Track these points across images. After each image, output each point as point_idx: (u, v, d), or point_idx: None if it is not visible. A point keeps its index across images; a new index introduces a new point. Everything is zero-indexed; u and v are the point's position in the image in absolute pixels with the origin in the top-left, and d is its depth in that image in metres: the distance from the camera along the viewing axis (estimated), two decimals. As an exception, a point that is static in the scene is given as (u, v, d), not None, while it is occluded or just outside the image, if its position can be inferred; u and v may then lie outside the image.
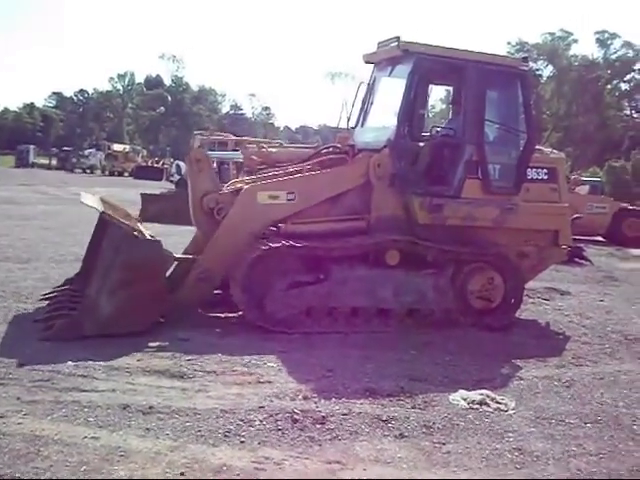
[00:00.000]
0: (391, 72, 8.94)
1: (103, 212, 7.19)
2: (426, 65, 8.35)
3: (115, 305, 6.68)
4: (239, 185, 8.35)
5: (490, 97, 8.75)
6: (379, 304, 7.90)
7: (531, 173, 8.80)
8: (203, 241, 8.11)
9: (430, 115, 10.13)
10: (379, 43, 8.98)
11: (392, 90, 8.90)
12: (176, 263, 8.12)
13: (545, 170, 8.94)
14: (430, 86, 10.00)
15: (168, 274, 7.94)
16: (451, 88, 10.28)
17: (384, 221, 8.26)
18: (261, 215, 7.94)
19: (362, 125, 9.38)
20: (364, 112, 9.42)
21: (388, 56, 8.83)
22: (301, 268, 7.80)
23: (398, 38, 8.37)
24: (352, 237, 7.98)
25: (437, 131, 8.94)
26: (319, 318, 7.68)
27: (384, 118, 9.05)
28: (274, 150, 9.48)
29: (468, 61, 8.44)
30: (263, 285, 7.52)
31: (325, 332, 7.51)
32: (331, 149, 8.80)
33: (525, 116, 8.86)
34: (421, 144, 8.60)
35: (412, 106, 8.47)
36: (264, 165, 8.86)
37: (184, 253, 8.48)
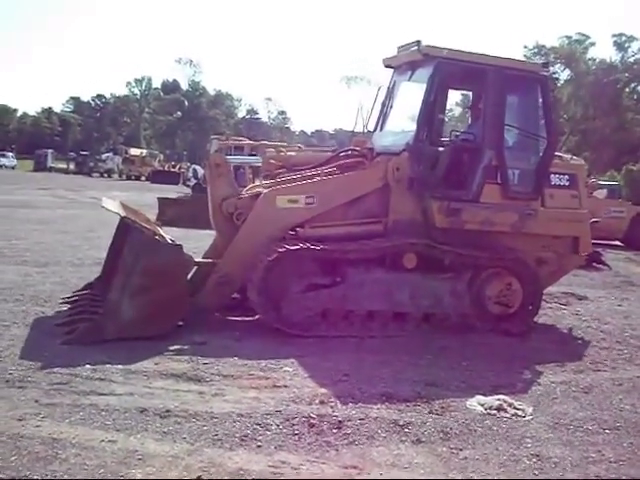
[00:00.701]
0: (411, 76, 8.94)
1: (125, 217, 7.23)
2: (446, 69, 8.33)
3: (137, 309, 6.72)
4: (258, 190, 8.37)
5: (510, 102, 8.76)
6: (395, 308, 7.87)
7: (554, 179, 8.77)
8: (223, 245, 8.14)
9: (447, 120, 10.10)
10: (399, 47, 8.99)
11: (412, 94, 8.92)
12: (196, 267, 8.15)
13: (566, 176, 8.90)
14: (448, 91, 9.99)
15: (189, 278, 7.99)
16: (469, 93, 10.25)
17: (402, 224, 8.25)
18: (280, 219, 7.96)
19: (381, 129, 9.38)
20: (383, 116, 9.42)
21: (408, 60, 8.83)
22: (318, 271, 7.80)
23: (419, 42, 8.38)
24: (369, 240, 7.98)
25: (456, 135, 8.92)
26: (335, 321, 7.68)
27: (403, 122, 9.07)
28: (293, 154, 9.49)
29: (489, 66, 8.43)
30: (280, 288, 7.52)
31: (341, 336, 7.50)
32: (349, 152, 8.79)
33: (545, 121, 8.84)
34: (440, 149, 8.58)
35: (432, 110, 8.44)
36: (283, 169, 8.87)
37: (204, 257, 8.52)
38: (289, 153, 9.53)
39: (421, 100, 8.28)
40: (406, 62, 8.95)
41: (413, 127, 8.39)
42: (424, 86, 8.34)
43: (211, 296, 7.79)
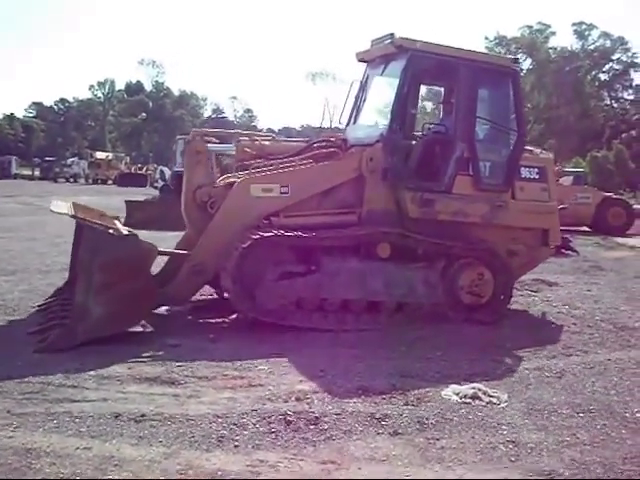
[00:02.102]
0: (384, 70, 9.01)
1: (73, 215, 7.12)
2: (420, 61, 8.40)
3: (104, 307, 6.62)
4: (232, 179, 8.35)
5: (482, 95, 8.88)
6: (369, 296, 7.90)
7: (524, 172, 8.92)
8: (194, 236, 8.10)
9: (419, 116, 10.22)
10: (373, 40, 9.04)
11: (385, 88, 9.04)
12: (168, 259, 8.08)
13: (536, 170, 9.05)
14: (420, 86, 10.05)
15: (160, 270, 7.91)
16: (440, 89, 10.34)
17: (375, 215, 8.29)
18: (254, 208, 7.95)
19: (354, 122, 9.44)
20: (357, 110, 9.47)
21: (382, 53, 8.88)
22: (292, 259, 7.80)
23: (392, 35, 8.45)
24: (343, 229, 8.01)
25: (429, 128, 9.00)
26: (310, 311, 7.68)
27: (376, 116, 9.15)
28: (267, 143, 9.47)
29: (462, 59, 8.55)
30: (254, 276, 7.51)
31: (316, 328, 7.51)
32: (324, 143, 8.80)
33: (516, 115, 8.98)
34: (413, 142, 8.65)
35: (405, 102, 8.51)
36: (257, 158, 8.83)
37: (176, 249, 8.47)
38: (264, 142, 9.49)
39: (395, 92, 8.35)
40: (380, 55, 8.99)
41: (387, 120, 8.46)
42: (397, 79, 8.40)
43: (184, 285, 7.77)
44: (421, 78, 9.45)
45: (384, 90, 9.11)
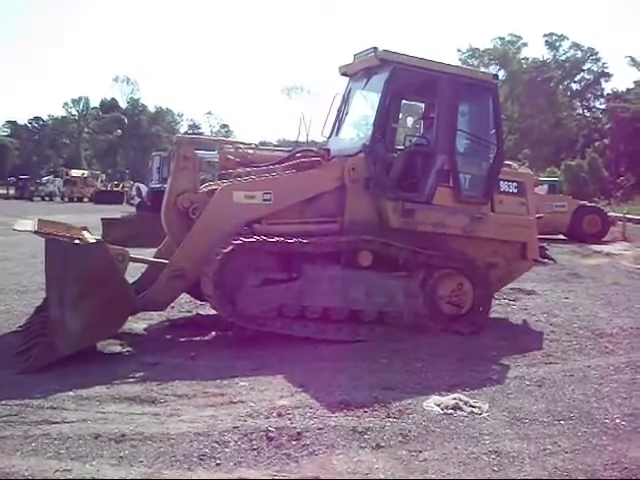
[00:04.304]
0: (367, 83, 9.09)
1: (36, 231, 7.05)
2: (402, 74, 8.49)
3: (81, 318, 6.54)
4: (215, 187, 8.34)
5: (463, 109, 9.04)
6: (350, 305, 7.89)
7: (503, 186, 9.03)
8: (174, 244, 8.06)
9: (400, 130, 10.32)
10: (355, 54, 9.13)
11: (367, 102, 9.17)
12: (147, 267, 8.02)
13: (515, 184, 9.17)
14: (402, 101, 10.13)
15: (139, 277, 7.87)
16: (421, 104, 10.44)
17: (357, 224, 8.31)
18: (236, 214, 7.93)
19: (337, 135, 9.52)
20: (339, 122, 9.55)
21: (364, 66, 8.95)
22: (274, 265, 7.78)
23: (375, 48, 8.54)
24: (325, 237, 8.02)
25: (410, 141, 9.09)
26: (290, 319, 7.65)
27: (358, 129, 9.23)
28: (250, 152, 9.47)
29: (443, 73, 8.65)
30: (235, 281, 7.47)
31: (296, 338, 7.50)
32: (306, 152, 8.84)
33: (495, 129, 9.10)
34: (394, 155, 8.72)
35: (387, 114, 8.65)
36: (240, 166, 8.83)
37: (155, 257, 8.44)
38: (247, 150, 9.49)
39: (377, 104, 8.44)
40: (362, 69, 9.07)
41: (368, 132, 8.54)
42: (380, 92, 8.50)
43: (163, 291, 7.72)
44: (403, 91, 9.55)
45: (366, 103, 9.22)
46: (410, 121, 12.82)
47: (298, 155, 8.79)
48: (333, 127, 9.58)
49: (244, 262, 7.53)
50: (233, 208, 7.95)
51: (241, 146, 9.53)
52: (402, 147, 9.11)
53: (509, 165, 9.76)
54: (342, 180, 8.33)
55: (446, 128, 8.65)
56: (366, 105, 9.22)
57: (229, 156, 9.11)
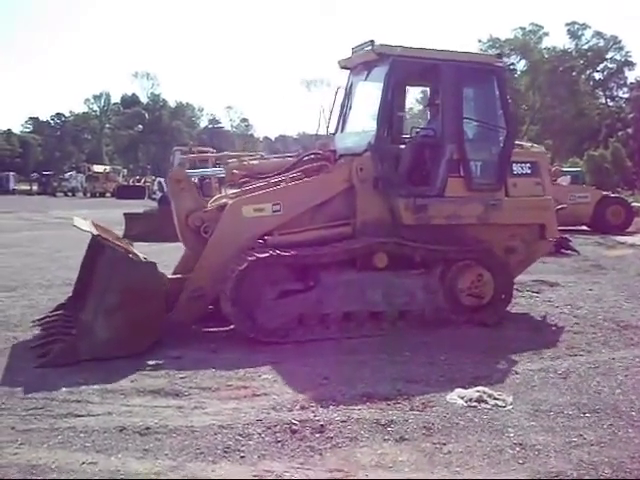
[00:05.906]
0: (367, 76, 8.96)
1: (98, 235, 7.13)
2: (402, 67, 8.38)
3: (112, 328, 6.62)
4: (224, 201, 8.32)
5: (467, 95, 8.85)
6: (370, 308, 7.87)
7: (516, 168, 8.85)
8: (193, 259, 8.07)
9: (408, 117, 10.19)
10: (353, 48, 8.99)
11: (369, 94, 8.95)
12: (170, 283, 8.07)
13: (528, 164, 8.98)
14: (407, 88, 10.03)
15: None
16: (428, 89, 10.32)
17: (370, 225, 8.26)
18: (248, 229, 7.91)
19: (342, 130, 9.39)
20: (343, 117, 9.43)
21: (363, 60, 8.84)
22: (290, 277, 7.76)
23: (372, 42, 8.40)
24: (339, 243, 7.97)
25: (417, 132, 8.96)
26: (311, 326, 7.65)
27: (363, 123, 9.08)
28: (255, 162, 9.46)
29: (443, 60, 8.48)
30: (253, 296, 7.47)
31: (318, 339, 7.48)
32: (312, 156, 8.78)
33: (503, 112, 8.88)
34: (402, 146, 8.61)
35: (390, 109, 8.51)
36: (247, 178, 8.82)
37: (174, 272, 8.45)
38: (252, 162, 9.49)
39: (379, 99, 8.30)
40: (361, 62, 8.96)
41: (374, 126, 8.39)
42: (381, 85, 8.38)
43: (185, 312, 7.69)
44: (405, 82, 9.45)
45: (369, 96, 9.03)
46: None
47: (305, 160, 8.75)
48: (338, 123, 9.46)
49: (260, 277, 7.51)
50: (243, 223, 7.92)
51: (245, 158, 9.53)
52: (409, 136, 8.94)
53: (521, 146, 9.55)
54: (350, 181, 8.27)
55: (452, 116, 8.49)
56: (369, 98, 9.03)
57: (235, 170, 9.09)
